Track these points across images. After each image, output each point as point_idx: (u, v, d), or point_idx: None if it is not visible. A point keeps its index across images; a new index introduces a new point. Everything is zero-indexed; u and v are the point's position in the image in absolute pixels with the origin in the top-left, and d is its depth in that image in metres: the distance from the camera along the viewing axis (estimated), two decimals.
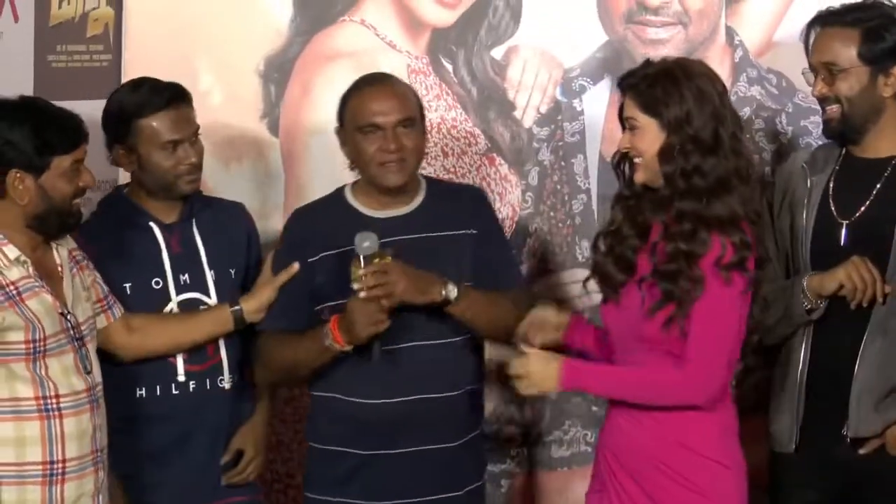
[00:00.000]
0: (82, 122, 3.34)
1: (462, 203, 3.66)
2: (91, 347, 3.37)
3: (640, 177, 3.38)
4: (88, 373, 3.33)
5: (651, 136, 3.33)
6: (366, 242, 3.39)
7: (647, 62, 3.41)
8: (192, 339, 3.58)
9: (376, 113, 3.51)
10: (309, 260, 3.55)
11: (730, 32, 4.14)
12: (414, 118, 3.55)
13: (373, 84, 3.59)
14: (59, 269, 3.35)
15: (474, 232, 3.60)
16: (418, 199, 3.62)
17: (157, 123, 3.56)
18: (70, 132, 3.29)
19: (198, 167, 3.62)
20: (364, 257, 3.39)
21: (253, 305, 3.58)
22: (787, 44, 4.08)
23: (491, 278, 3.59)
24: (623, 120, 3.41)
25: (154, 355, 3.57)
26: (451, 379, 3.56)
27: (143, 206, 3.64)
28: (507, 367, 3.39)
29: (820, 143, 3.92)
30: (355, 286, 3.39)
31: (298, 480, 4.15)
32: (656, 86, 3.31)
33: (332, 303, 3.51)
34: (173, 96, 3.58)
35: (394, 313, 3.42)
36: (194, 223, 3.66)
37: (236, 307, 3.58)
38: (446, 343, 3.56)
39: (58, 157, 3.26)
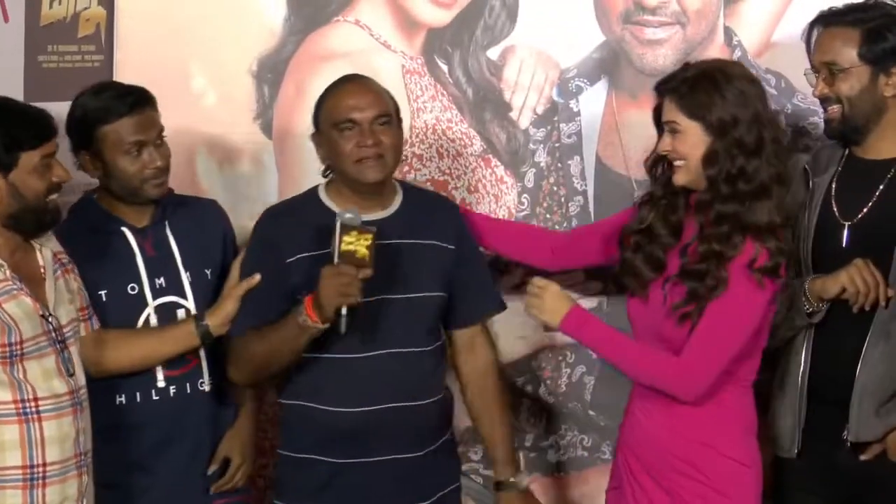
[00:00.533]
0: (51, 118, 3.30)
1: (440, 215, 3.65)
2: (74, 350, 3.33)
3: (681, 179, 3.42)
4: (71, 375, 3.29)
5: (694, 139, 3.37)
6: (348, 214, 3.36)
7: (687, 65, 3.45)
8: (159, 356, 3.54)
9: (352, 108, 3.49)
10: (287, 261, 3.51)
11: (728, 33, 4.10)
12: (390, 115, 3.53)
13: (347, 83, 3.57)
14: (42, 270, 3.31)
15: (452, 248, 3.60)
16: (395, 205, 3.60)
17: (121, 129, 3.52)
18: (36, 127, 3.26)
19: (164, 170, 3.58)
20: (344, 226, 3.33)
21: (217, 320, 3.54)
22: (785, 44, 4.05)
23: (468, 299, 3.64)
24: (659, 123, 3.44)
25: (122, 373, 3.52)
26: (424, 387, 3.56)
27: (113, 212, 3.60)
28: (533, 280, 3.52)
29: (819, 144, 3.90)
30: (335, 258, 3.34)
31: None
32: (698, 89, 3.35)
33: None
34: (137, 101, 3.55)
35: (370, 313, 3.40)
36: (167, 225, 3.63)
37: (202, 322, 3.54)
38: (420, 351, 3.55)
39: (25, 152, 3.23)
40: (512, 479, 3.70)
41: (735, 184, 3.34)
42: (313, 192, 3.62)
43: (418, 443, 3.55)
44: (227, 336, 3.55)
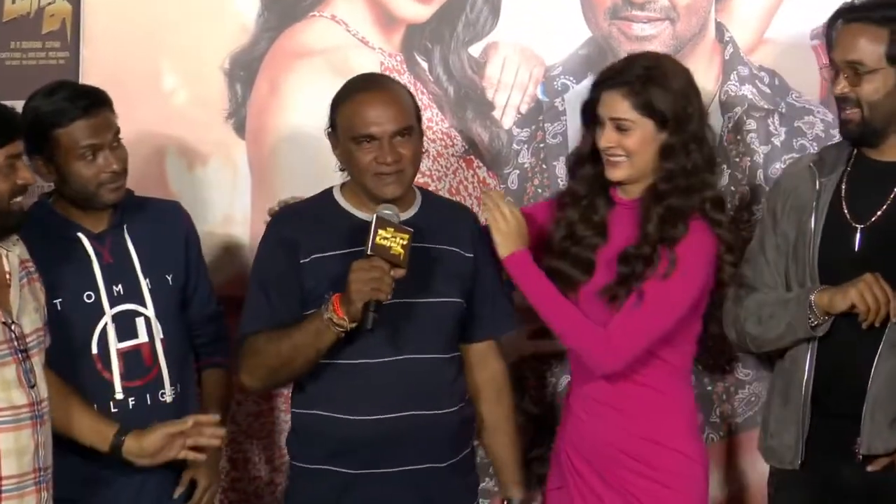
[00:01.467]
0: (16, 116, 3.23)
1: (459, 223, 3.60)
2: (37, 361, 3.23)
3: (620, 174, 3.46)
4: (32, 387, 3.18)
5: (643, 134, 3.41)
6: (386, 210, 3.35)
7: (631, 59, 3.49)
8: (66, 433, 3.38)
9: (371, 123, 3.40)
10: (301, 261, 3.45)
11: (720, 28, 4.05)
12: (412, 126, 3.45)
13: (368, 90, 3.46)
14: (7, 276, 3.21)
15: (471, 256, 3.55)
16: (413, 209, 3.53)
17: (75, 132, 3.44)
18: (1, 125, 3.14)
19: (121, 174, 3.50)
20: (381, 220, 3.29)
21: (134, 445, 3.39)
22: (779, 41, 4.01)
23: (486, 314, 3.57)
24: (596, 116, 3.46)
25: None
26: (445, 395, 3.49)
27: (69, 217, 3.53)
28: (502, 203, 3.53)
29: (815, 144, 3.91)
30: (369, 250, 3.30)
31: (267, 501, 4.10)
32: (652, 85, 3.39)
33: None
34: (91, 103, 3.47)
35: (389, 316, 3.33)
36: (126, 230, 3.55)
37: (121, 437, 3.40)
38: (440, 358, 3.49)
39: None
40: (519, 496, 3.68)
41: (689, 177, 3.40)
42: (328, 192, 3.56)
43: (438, 454, 3.48)
44: (238, 338, 3.49)
